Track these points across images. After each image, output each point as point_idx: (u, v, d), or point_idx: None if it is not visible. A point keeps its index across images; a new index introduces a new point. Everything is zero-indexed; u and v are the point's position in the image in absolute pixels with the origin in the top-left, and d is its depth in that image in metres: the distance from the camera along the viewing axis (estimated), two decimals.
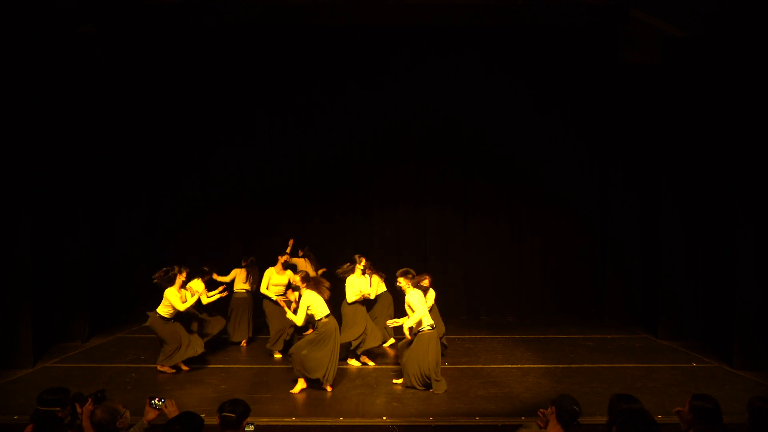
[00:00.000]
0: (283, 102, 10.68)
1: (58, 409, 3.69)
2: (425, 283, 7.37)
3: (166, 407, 3.64)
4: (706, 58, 8.70)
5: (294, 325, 7.49)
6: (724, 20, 8.20)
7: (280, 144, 10.75)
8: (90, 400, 3.72)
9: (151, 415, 3.66)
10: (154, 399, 3.67)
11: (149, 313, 7.24)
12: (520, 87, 10.58)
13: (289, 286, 8.10)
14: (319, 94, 10.69)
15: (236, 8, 9.76)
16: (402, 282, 6.69)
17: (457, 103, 10.64)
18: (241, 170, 10.75)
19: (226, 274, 8.68)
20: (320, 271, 8.83)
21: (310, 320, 6.77)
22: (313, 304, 6.51)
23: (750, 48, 7.67)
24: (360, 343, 7.48)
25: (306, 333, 7.55)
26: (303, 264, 9.01)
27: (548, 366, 7.54)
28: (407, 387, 6.62)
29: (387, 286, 8.30)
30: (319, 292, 6.58)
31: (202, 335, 7.66)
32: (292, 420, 5.65)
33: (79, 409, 3.75)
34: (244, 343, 8.63)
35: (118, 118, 10.03)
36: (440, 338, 7.23)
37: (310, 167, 10.73)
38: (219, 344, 8.41)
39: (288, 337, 7.96)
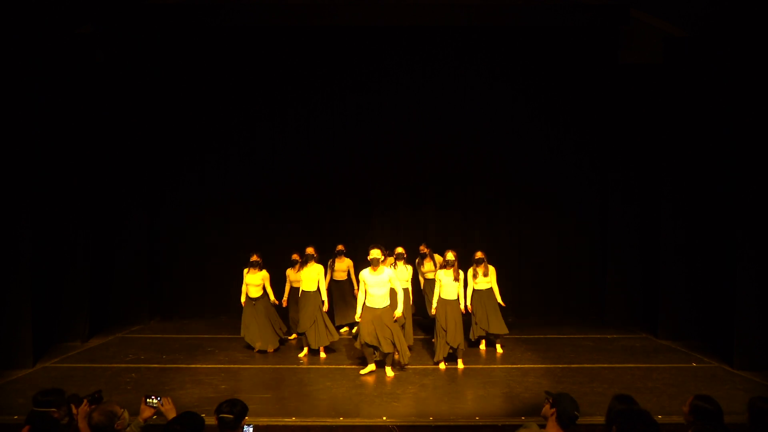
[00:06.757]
0: (283, 103, 10.64)
1: (53, 410, 3.68)
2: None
3: (162, 405, 3.63)
4: (706, 58, 8.69)
5: None
6: (724, 20, 8.20)
7: (280, 146, 10.72)
8: (86, 401, 3.71)
9: (146, 413, 3.64)
10: (150, 397, 3.66)
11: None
12: (520, 87, 10.54)
13: None
14: (319, 96, 10.66)
15: (237, 8, 9.72)
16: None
17: (456, 103, 10.60)
18: (242, 171, 10.72)
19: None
20: None
21: None
22: None
23: (750, 48, 7.66)
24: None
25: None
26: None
27: (548, 366, 7.54)
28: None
29: None
30: None
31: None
32: (292, 420, 5.65)
33: (74, 411, 3.73)
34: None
35: (119, 118, 10.00)
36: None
37: (309, 169, 10.70)
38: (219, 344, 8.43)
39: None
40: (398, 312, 7.08)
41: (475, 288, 8.04)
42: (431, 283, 8.42)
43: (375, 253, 7.03)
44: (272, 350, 8.14)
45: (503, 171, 10.65)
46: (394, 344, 6.96)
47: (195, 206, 10.67)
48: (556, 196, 10.60)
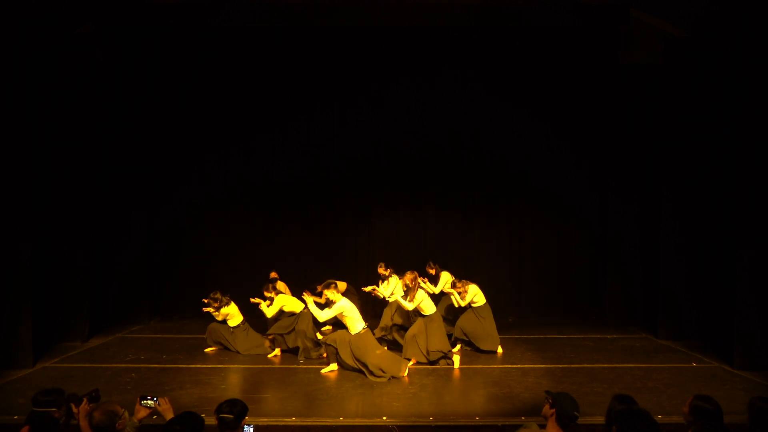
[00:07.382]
0: (283, 103, 10.64)
1: (53, 410, 3.68)
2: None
3: (159, 405, 3.63)
4: (706, 58, 8.69)
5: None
6: (724, 20, 8.20)
7: (281, 145, 10.72)
8: (85, 400, 3.71)
9: (142, 413, 3.64)
10: (145, 398, 3.66)
11: None
12: (520, 88, 10.54)
13: None
14: (319, 95, 10.65)
15: (237, 8, 9.71)
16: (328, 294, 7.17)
17: (456, 103, 10.61)
18: (242, 171, 10.73)
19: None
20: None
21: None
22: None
23: (750, 48, 7.66)
24: None
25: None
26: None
27: (548, 366, 7.54)
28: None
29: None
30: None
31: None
32: (292, 420, 5.64)
33: (75, 410, 3.74)
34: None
35: (119, 118, 9.98)
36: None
37: (309, 169, 10.70)
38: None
39: None
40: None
41: (471, 305, 8.10)
42: (447, 298, 8.67)
43: (326, 294, 7.21)
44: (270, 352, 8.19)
45: (503, 171, 10.65)
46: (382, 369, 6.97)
47: (195, 206, 10.68)
48: (556, 196, 10.60)
